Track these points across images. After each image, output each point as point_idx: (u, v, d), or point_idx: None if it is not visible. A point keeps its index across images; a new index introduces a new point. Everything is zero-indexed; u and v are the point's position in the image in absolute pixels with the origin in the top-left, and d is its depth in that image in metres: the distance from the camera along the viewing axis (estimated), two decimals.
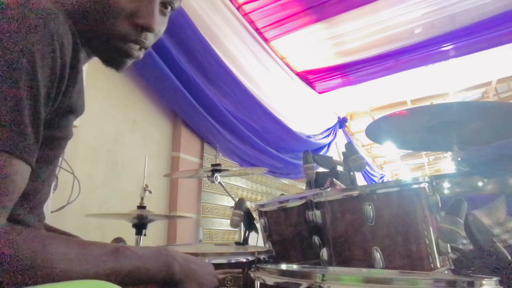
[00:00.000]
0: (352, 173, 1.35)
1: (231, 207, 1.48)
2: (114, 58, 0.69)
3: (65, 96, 0.56)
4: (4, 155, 0.47)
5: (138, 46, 0.69)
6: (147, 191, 1.61)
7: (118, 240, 1.21)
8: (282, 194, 2.75)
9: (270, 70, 3.46)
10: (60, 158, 1.68)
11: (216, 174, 1.71)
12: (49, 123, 0.56)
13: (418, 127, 1.52)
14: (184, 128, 2.59)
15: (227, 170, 1.79)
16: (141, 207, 1.57)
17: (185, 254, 0.66)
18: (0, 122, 0.46)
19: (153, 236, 2.20)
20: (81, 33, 0.61)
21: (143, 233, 1.54)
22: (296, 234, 1.23)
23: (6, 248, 0.45)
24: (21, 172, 0.50)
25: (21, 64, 0.48)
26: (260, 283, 0.83)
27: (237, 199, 1.49)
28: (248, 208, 1.44)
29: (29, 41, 0.48)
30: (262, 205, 1.34)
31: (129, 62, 0.71)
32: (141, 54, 0.72)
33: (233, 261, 1.09)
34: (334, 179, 1.43)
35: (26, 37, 0.48)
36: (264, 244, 1.36)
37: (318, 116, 4.55)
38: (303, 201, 1.19)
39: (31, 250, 0.47)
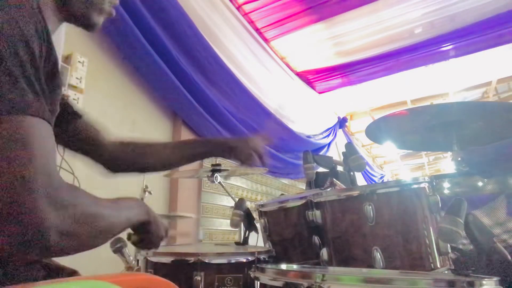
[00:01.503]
0: (352, 173, 1.35)
1: (231, 207, 1.48)
2: (91, 17, 0.73)
3: (47, 62, 0.58)
4: (35, 119, 0.50)
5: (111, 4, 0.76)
6: (147, 192, 1.61)
7: (118, 240, 1.21)
8: (282, 194, 2.75)
9: (270, 70, 3.46)
10: (60, 158, 1.68)
11: (216, 174, 1.71)
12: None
13: (418, 127, 1.52)
14: (184, 128, 2.59)
15: (227, 170, 1.79)
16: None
17: (148, 208, 0.78)
18: (21, 92, 0.49)
19: None
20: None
21: None
22: (296, 234, 1.23)
23: (74, 200, 0.52)
24: (49, 131, 0.53)
25: (14, 33, 0.50)
26: (260, 283, 0.83)
27: (237, 199, 1.49)
28: (248, 208, 1.44)
29: (14, 15, 0.51)
30: (262, 205, 1.34)
31: (102, 19, 0.76)
32: (113, 10, 0.77)
33: (233, 261, 1.09)
34: (334, 179, 1.43)
35: (11, 12, 0.51)
36: (264, 244, 1.36)
37: (318, 116, 4.55)
38: (303, 201, 1.19)
39: (90, 203, 0.56)
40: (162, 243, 0.84)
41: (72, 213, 0.50)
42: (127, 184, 2.10)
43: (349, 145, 1.45)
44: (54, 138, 0.55)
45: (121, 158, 1.09)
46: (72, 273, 0.76)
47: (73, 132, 0.96)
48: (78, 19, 0.73)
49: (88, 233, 0.54)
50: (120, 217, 0.64)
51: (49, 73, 0.58)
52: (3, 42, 0.49)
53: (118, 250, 1.21)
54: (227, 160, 0.77)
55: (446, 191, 1.33)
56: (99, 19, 0.75)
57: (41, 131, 0.51)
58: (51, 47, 0.58)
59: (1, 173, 0.46)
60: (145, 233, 0.77)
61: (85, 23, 0.74)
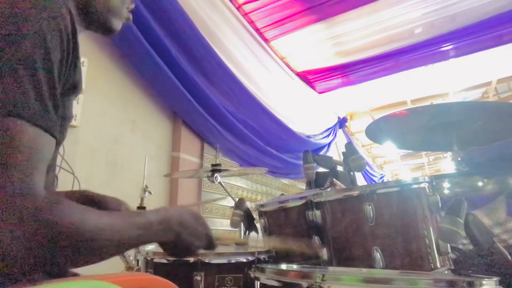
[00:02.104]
0: (352, 173, 1.35)
1: (231, 207, 1.48)
2: (112, 23, 0.76)
3: (71, 70, 0.58)
4: (32, 127, 0.49)
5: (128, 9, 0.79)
6: (146, 192, 1.61)
7: None
8: (282, 194, 2.76)
9: (270, 70, 3.46)
10: (60, 158, 1.68)
11: (216, 174, 1.71)
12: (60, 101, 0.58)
13: (418, 127, 1.52)
14: (184, 128, 2.59)
15: (227, 170, 1.79)
16: (141, 207, 1.57)
17: (183, 217, 0.70)
18: (24, 98, 0.48)
19: None
20: (79, 6, 0.69)
21: None
22: (296, 234, 1.23)
23: (53, 217, 0.48)
24: (48, 144, 0.52)
25: (33, 44, 0.50)
26: (260, 283, 0.83)
27: (237, 199, 1.49)
28: (248, 208, 1.44)
29: (38, 20, 0.51)
30: (262, 205, 1.34)
31: (121, 24, 0.79)
32: (130, 15, 0.80)
33: (233, 261, 1.09)
34: (334, 179, 1.43)
35: (35, 17, 0.51)
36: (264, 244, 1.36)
37: (318, 116, 4.55)
38: (303, 201, 1.19)
39: (74, 219, 0.50)
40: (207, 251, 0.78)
41: (51, 231, 0.47)
42: (127, 184, 2.11)
43: (349, 145, 1.45)
44: (51, 148, 0.53)
45: None
46: (73, 275, 0.76)
47: None
48: (99, 26, 0.75)
49: (68, 253, 0.50)
50: (121, 236, 0.57)
51: (70, 77, 0.58)
52: (23, 46, 0.49)
53: None
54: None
55: (446, 191, 1.32)
56: (119, 25, 0.78)
57: (36, 140, 0.49)
58: (75, 52, 0.58)
59: None
60: (166, 251, 0.72)
61: (106, 29, 0.76)
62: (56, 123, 0.54)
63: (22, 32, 0.50)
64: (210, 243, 0.77)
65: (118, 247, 0.58)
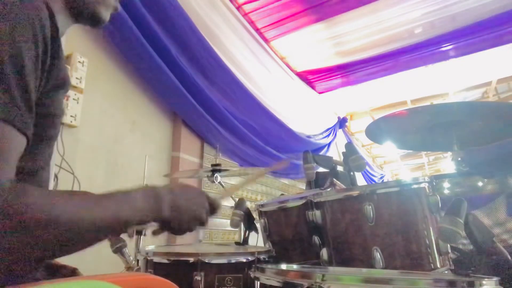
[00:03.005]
0: (352, 173, 1.35)
1: (231, 207, 1.48)
2: (100, 13, 0.74)
3: (52, 68, 0.58)
4: None
5: None
6: None
7: (118, 240, 1.21)
8: (282, 194, 2.75)
9: (270, 70, 3.46)
10: (60, 158, 1.68)
11: (216, 174, 1.71)
12: (43, 99, 0.58)
13: (418, 127, 1.52)
14: (184, 128, 2.59)
15: (227, 170, 1.79)
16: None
17: (174, 189, 0.67)
18: None
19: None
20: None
21: (143, 233, 1.54)
22: (296, 234, 1.23)
23: (19, 208, 0.46)
24: (15, 140, 0.51)
25: (2, 40, 0.50)
26: (260, 283, 0.83)
27: (237, 199, 1.49)
28: (248, 208, 1.44)
29: (7, 17, 0.51)
30: (262, 205, 1.34)
31: (109, 14, 0.78)
32: (118, 5, 0.79)
33: (233, 261, 1.09)
34: (334, 179, 1.43)
35: (3, 13, 0.51)
36: (264, 244, 1.36)
37: (318, 116, 4.55)
38: (303, 201, 1.19)
39: (43, 207, 0.48)
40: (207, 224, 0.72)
41: (20, 222, 0.46)
42: (127, 184, 2.11)
43: (349, 145, 1.45)
44: (18, 144, 0.52)
45: None
46: (72, 271, 0.76)
47: None
48: (87, 17, 0.74)
49: (47, 243, 0.49)
50: (100, 218, 0.54)
51: (54, 72, 0.58)
52: None
53: (118, 250, 1.22)
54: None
55: (446, 191, 1.32)
56: (107, 14, 0.76)
57: (1, 135, 0.49)
58: (56, 47, 0.58)
59: None
60: (166, 229, 0.67)
61: (94, 20, 0.75)
62: (27, 120, 0.52)
63: None
64: (213, 207, 0.73)
65: (97, 229, 0.54)
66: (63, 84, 0.63)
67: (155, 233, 0.70)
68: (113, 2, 0.76)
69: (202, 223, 0.70)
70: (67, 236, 0.50)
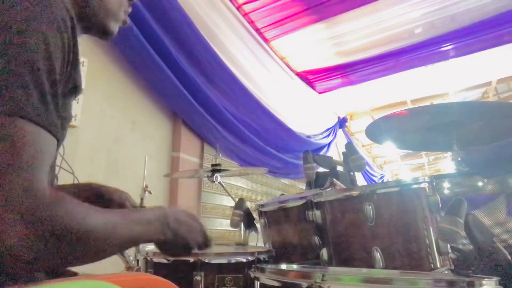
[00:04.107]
0: (352, 173, 1.35)
1: (231, 207, 1.48)
2: (109, 26, 0.76)
3: (72, 74, 0.59)
4: (35, 126, 0.49)
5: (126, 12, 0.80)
6: (146, 192, 1.61)
7: None
8: (282, 194, 2.76)
9: (270, 70, 3.46)
10: (60, 158, 1.68)
11: (216, 174, 1.71)
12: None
13: (418, 127, 1.51)
14: (184, 128, 2.59)
15: (227, 170, 1.79)
16: (141, 207, 1.57)
17: (178, 214, 0.72)
18: (27, 99, 0.49)
19: None
20: (77, 9, 0.69)
21: None
22: (296, 234, 1.23)
23: (57, 215, 0.48)
24: (51, 144, 0.52)
25: (35, 45, 0.51)
26: (260, 283, 0.83)
27: (237, 199, 1.49)
28: (248, 208, 1.44)
29: (38, 22, 0.52)
30: (262, 205, 1.34)
31: (118, 27, 0.80)
32: (127, 18, 0.81)
33: (233, 261, 1.09)
34: (334, 179, 1.43)
35: (36, 19, 0.52)
36: (264, 244, 1.36)
37: (318, 116, 4.55)
38: (303, 201, 1.19)
39: (77, 217, 0.51)
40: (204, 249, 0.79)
41: (48, 228, 0.47)
42: (127, 184, 2.11)
43: (349, 145, 1.46)
44: (52, 148, 0.53)
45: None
46: (72, 275, 0.76)
47: None
48: (96, 30, 0.76)
49: (70, 251, 0.50)
50: (121, 235, 0.58)
51: (71, 78, 0.59)
52: (24, 46, 0.50)
53: None
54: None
55: (446, 191, 1.32)
56: (116, 28, 0.78)
57: (38, 139, 0.50)
58: (75, 53, 0.59)
59: None
60: (163, 250, 0.73)
61: (103, 32, 0.77)
62: (57, 123, 0.54)
63: (24, 35, 0.51)
64: (206, 241, 0.78)
65: (119, 245, 0.59)
66: (76, 90, 0.64)
67: None
68: (122, 16, 0.78)
69: (191, 250, 0.75)
70: (90, 247, 0.53)
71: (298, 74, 4.00)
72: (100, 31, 0.76)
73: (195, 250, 0.76)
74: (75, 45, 0.59)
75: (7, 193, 0.45)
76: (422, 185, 1.01)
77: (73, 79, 0.60)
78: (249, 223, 1.44)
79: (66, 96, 0.61)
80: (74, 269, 0.77)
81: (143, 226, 0.62)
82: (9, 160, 0.46)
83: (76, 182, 1.74)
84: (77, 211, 0.51)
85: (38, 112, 0.50)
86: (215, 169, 1.73)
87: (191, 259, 1.06)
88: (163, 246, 0.72)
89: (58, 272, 0.74)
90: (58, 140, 0.55)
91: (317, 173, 1.78)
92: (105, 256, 0.56)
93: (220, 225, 2.83)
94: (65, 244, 0.49)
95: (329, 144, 4.69)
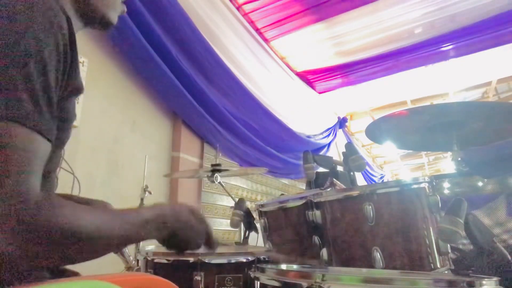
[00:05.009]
0: (352, 173, 1.35)
1: (231, 207, 1.48)
2: (109, 16, 0.76)
3: (71, 75, 0.59)
4: (26, 130, 0.49)
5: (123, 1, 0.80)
6: (146, 192, 1.61)
7: None
8: (282, 194, 2.76)
9: (270, 70, 3.46)
10: (60, 158, 1.68)
11: (216, 174, 1.71)
12: (58, 104, 0.58)
13: (418, 127, 1.51)
14: (184, 128, 2.59)
15: (227, 170, 1.79)
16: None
17: (179, 213, 0.71)
18: (18, 102, 0.49)
19: None
20: (77, 5, 0.70)
21: None
22: (296, 234, 1.23)
23: (49, 218, 0.48)
24: (42, 147, 0.52)
25: (28, 46, 0.50)
26: (260, 283, 0.83)
27: (237, 199, 1.49)
28: (248, 208, 1.44)
29: (32, 22, 0.52)
30: (262, 205, 1.34)
31: (117, 17, 0.80)
32: (124, 7, 0.81)
33: (233, 261, 1.09)
34: (334, 179, 1.43)
35: (29, 19, 0.52)
36: (264, 244, 1.36)
37: (318, 116, 4.55)
38: (303, 201, 1.19)
39: (70, 219, 0.51)
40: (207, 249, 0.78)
41: (47, 233, 0.48)
42: (127, 184, 2.11)
43: (349, 145, 1.46)
44: (45, 151, 0.53)
45: None
46: (73, 275, 0.76)
47: None
48: (97, 21, 0.76)
49: (66, 252, 0.51)
50: (114, 234, 0.57)
51: (70, 79, 0.59)
52: (15, 48, 0.50)
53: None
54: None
55: (446, 191, 1.33)
56: (115, 17, 0.78)
57: (30, 143, 0.50)
58: (73, 52, 0.59)
59: None
60: (168, 247, 0.72)
61: (104, 24, 0.77)
62: (51, 126, 0.54)
63: (16, 39, 0.50)
64: (209, 241, 0.76)
65: (112, 245, 0.59)
66: (77, 90, 0.63)
67: None
68: (120, 5, 0.78)
69: (194, 249, 0.74)
70: (85, 247, 0.53)
71: (298, 74, 4.00)
72: (100, 23, 0.76)
73: (199, 250, 0.75)
74: (72, 47, 0.58)
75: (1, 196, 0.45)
76: (422, 185, 1.01)
77: (72, 80, 0.60)
78: (249, 223, 1.44)
79: (66, 98, 0.61)
80: (75, 268, 0.77)
81: (138, 226, 0.62)
82: (0, 165, 0.46)
83: (76, 182, 1.74)
84: (70, 213, 0.51)
85: (29, 115, 0.49)
86: (215, 169, 1.73)
87: (191, 259, 1.06)
88: (164, 243, 0.71)
89: (60, 270, 0.74)
90: (52, 143, 0.54)
91: (317, 173, 1.78)
92: (99, 256, 0.56)
93: (220, 225, 2.83)
94: (59, 246, 0.50)
95: (329, 144, 4.69)
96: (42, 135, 0.51)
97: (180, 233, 0.69)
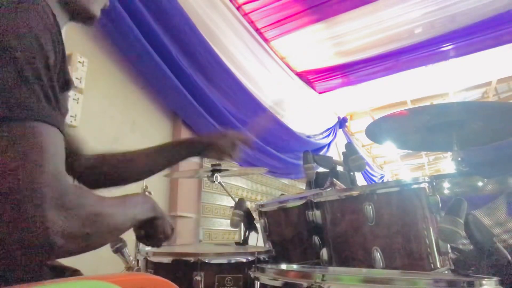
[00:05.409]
0: (352, 173, 1.35)
1: (231, 207, 1.48)
2: (92, 10, 0.76)
3: (62, 68, 0.60)
4: (46, 126, 0.51)
5: None
6: (146, 192, 1.61)
7: (118, 240, 1.21)
8: (282, 194, 2.76)
9: (270, 70, 3.46)
10: None
11: (216, 174, 1.71)
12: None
13: (418, 127, 1.51)
14: (184, 128, 2.59)
15: (227, 170, 1.79)
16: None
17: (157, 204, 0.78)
18: (37, 101, 0.51)
19: None
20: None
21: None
22: (296, 234, 1.23)
23: (82, 206, 0.53)
24: (62, 140, 0.55)
25: (31, 44, 0.52)
26: (260, 283, 0.83)
27: (237, 199, 1.49)
28: (248, 208, 1.44)
29: (28, 24, 0.52)
30: (262, 205, 1.34)
31: (100, 11, 0.80)
32: (107, 1, 0.81)
33: (233, 261, 1.09)
34: (334, 179, 1.43)
35: (25, 21, 0.52)
36: (264, 244, 1.36)
37: (318, 116, 4.55)
38: (303, 201, 1.19)
39: (97, 207, 0.56)
40: (166, 243, 0.83)
41: (79, 215, 0.52)
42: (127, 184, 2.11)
43: (349, 145, 1.46)
44: (64, 145, 0.56)
45: (99, 173, 1.08)
46: (74, 271, 0.77)
47: None
48: (80, 14, 0.76)
49: (95, 233, 0.55)
50: (127, 215, 0.64)
51: (61, 73, 0.60)
52: (20, 49, 0.50)
53: (118, 250, 1.22)
54: (208, 158, 0.78)
55: (446, 191, 1.33)
56: (98, 11, 0.78)
57: (54, 138, 0.52)
58: (63, 47, 0.60)
59: (13, 177, 0.47)
60: (151, 229, 0.77)
61: (87, 17, 0.77)
62: (62, 120, 0.56)
63: (17, 36, 0.51)
64: (172, 234, 0.82)
65: (126, 225, 0.65)
66: (67, 84, 0.64)
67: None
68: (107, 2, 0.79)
69: (168, 235, 0.80)
70: (108, 229, 0.58)
71: (298, 74, 4.00)
72: (83, 17, 0.76)
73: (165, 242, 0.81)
74: (60, 41, 0.59)
75: (42, 189, 0.48)
76: (422, 185, 1.01)
77: (63, 74, 0.61)
78: (249, 223, 1.43)
79: (62, 91, 0.62)
80: (75, 267, 0.77)
81: (140, 206, 0.69)
82: (36, 160, 0.49)
83: (76, 182, 1.74)
84: (94, 197, 0.57)
85: (48, 112, 0.52)
86: (215, 169, 1.73)
87: (191, 259, 1.06)
88: (149, 226, 0.75)
89: (61, 267, 0.74)
90: (64, 136, 0.57)
91: (317, 173, 1.78)
92: (112, 239, 0.65)
93: (220, 225, 2.83)
94: (90, 227, 0.54)
95: (329, 144, 4.69)
96: (58, 128, 0.54)
97: (160, 216, 0.75)
